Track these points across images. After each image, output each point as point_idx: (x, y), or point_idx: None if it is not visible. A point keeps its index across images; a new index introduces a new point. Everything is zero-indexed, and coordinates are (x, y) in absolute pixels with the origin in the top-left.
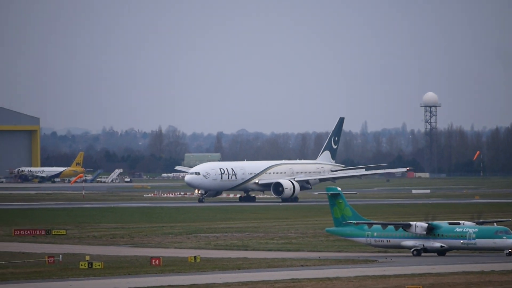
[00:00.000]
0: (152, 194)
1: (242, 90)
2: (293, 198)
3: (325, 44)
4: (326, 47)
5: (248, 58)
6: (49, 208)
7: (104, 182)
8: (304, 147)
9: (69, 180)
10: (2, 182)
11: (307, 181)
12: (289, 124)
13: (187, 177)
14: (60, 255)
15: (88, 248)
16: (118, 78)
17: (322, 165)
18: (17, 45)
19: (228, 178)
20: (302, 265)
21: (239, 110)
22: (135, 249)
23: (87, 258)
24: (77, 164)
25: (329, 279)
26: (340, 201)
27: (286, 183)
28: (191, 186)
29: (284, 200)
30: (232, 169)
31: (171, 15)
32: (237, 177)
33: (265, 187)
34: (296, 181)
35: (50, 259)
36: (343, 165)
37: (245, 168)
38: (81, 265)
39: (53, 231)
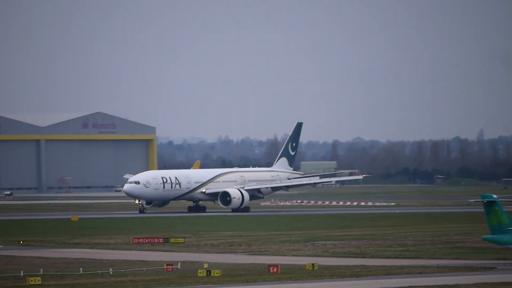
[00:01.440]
0: (269, 202)
1: (357, 98)
2: (242, 208)
3: (440, 51)
4: (441, 55)
5: (370, 63)
6: (167, 217)
7: None
8: (420, 155)
9: None
10: (120, 191)
11: (258, 190)
12: (405, 131)
13: (126, 186)
14: (179, 263)
15: (206, 256)
16: (233, 87)
17: (278, 173)
18: (133, 59)
19: (171, 187)
20: (420, 273)
21: (355, 117)
22: (253, 256)
23: (206, 266)
24: None
25: (448, 286)
26: (496, 209)
27: (233, 192)
28: (130, 196)
29: (234, 210)
30: (175, 177)
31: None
32: (181, 186)
33: (213, 196)
34: (246, 190)
35: (168, 267)
36: (301, 173)
37: (190, 176)
38: (200, 273)
39: (171, 239)
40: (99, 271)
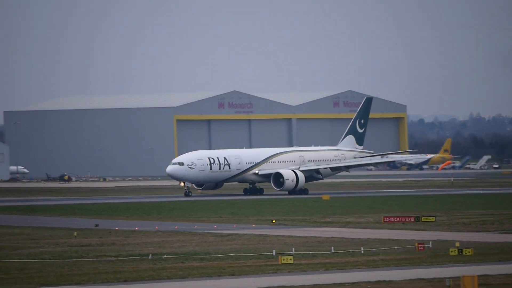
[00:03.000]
0: None
1: None
2: (298, 190)
3: None
4: None
5: None
6: (418, 195)
7: (473, 168)
8: None
9: (437, 167)
10: (371, 170)
11: (316, 171)
12: None
13: (169, 168)
14: (430, 242)
15: (458, 235)
16: (484, 62)
17: (343, 152)
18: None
19: (220, 168)
20: None
21: None
22: (505, 235)
23: (457, 244)
24: (445, 151)
25: None
26: None
27: (287, 173)
28: (174, 178)
29: (291, 192)
30: (224, 158)
31: None
32: (231, 167)
33: (267, 178)
34: (302, 170)
35: (420, 246)
36: (371, 151)
37: (241, 156)
38: (451, 251)
39: (422, 218)
40: (350, 250)
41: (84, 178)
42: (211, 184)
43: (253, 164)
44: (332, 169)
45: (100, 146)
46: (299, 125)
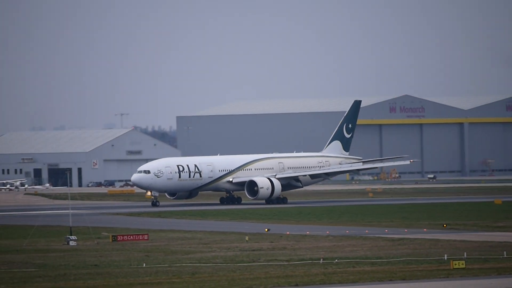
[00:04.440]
0: None
1: None
2: (275, 199)
3: None
4: None
5: None
6: None
7: None
8: None
9: None
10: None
11: (296, 178)
12: None
13: (134, 176)
14: None
15: None
16: None
17: (328, 158)
18: None
19: (190, 176)
20: None
21: None
22: None
23: None
24: None
25: None
26: None
27: (261, 181)
28: (139, 187)
29: (267, 201)
30: (195, 165)
31: None
32: (202, 175)
33: (241, 186)
34: (278, 178)
35: None
36: (360, 158)
37: (214, 164)
38: None
39: None
40: None
41: None
42: (183, 193)
43: (226, 172)
44: (312, 176)
45: (269, 151)
46: (471, 129)
